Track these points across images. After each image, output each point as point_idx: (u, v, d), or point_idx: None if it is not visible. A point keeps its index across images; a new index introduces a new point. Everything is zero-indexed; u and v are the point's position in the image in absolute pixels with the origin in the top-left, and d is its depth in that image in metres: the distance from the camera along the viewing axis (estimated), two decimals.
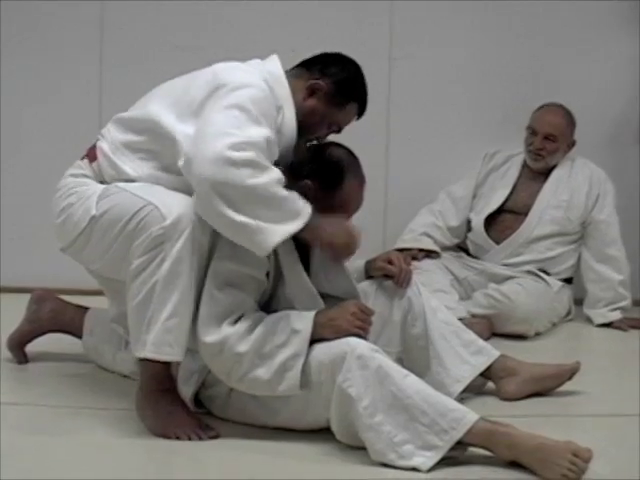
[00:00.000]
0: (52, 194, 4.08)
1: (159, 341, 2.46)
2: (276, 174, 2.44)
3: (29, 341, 3.11)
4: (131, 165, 2.65)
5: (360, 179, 2.61)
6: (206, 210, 2.43)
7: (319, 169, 2.57)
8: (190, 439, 2.45)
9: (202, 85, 2.59)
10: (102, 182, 2.67)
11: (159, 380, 2.51)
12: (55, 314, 3.08)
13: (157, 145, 2.62)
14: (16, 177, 4.28)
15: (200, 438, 2.46)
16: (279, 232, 2.42)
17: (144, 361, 2.50)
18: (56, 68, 4.26)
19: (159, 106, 2.64)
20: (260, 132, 2.46)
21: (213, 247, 2.53)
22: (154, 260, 2.45)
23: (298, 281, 2.55)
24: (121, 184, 2.62)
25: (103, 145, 2.70)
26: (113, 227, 2.55)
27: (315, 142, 2.73)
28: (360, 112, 2.79)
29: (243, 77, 2.58)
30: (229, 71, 2.62)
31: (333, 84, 2.71)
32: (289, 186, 2.51)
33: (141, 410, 2.53)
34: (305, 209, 2.46)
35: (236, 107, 2.48)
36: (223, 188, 2.38)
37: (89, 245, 2.63)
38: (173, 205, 2.48)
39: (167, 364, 2.51)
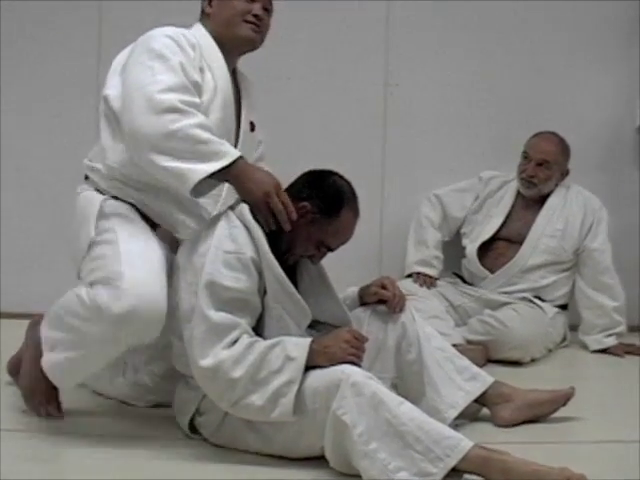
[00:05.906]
0: (53, 217, 4.13)
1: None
2: (197, 119, 2.53)
3: None
4: (97, 158, 2.76)
5: (355, 213, 2.65)
6: (138, 160, 2.57)
7: (320, 194, 2.60)
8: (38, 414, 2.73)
9: (126, 52, 2.76)
10: (98, 190, 2.75)
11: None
12: None
13: (105, 119, 2.74)
14: (17, 200, 4.30)
15: (47, 414, 2.73)
16: (199, 170, 2.49)
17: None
18: (54, 72, 4.29)
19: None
20: (174, 70, 2.59)
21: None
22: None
23: (282, 287, 2.53)
24: (117, 226, 2.66)
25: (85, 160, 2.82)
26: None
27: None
28: None
29: (153, 31, 2.71)
30: (147, 33, 2.73)
31: None
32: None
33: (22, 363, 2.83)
34: (229, 154, 2.52)
35: (148, 56, 2.61)
36: (149, 137, 2.51)
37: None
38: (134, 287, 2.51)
39: None
